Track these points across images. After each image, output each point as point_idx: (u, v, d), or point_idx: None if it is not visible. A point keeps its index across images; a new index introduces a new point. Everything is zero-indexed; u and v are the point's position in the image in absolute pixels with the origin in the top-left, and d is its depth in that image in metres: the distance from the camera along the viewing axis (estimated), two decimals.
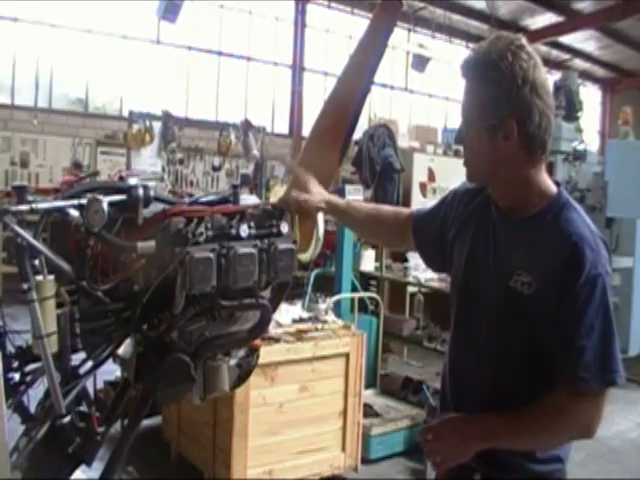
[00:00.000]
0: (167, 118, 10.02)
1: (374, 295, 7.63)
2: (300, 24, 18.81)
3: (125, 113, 12.38)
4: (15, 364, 2.08)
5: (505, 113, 2.10)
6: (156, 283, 2.08)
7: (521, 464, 2.25)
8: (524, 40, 2.16)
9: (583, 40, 21.65)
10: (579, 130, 11.37)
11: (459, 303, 2.41)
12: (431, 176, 10.60)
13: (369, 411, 6.39)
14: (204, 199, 2.34)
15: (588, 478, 5.67)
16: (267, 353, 4.78)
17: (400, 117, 17.17)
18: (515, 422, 2.17)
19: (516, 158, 2.16)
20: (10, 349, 2.06)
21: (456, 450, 2.20)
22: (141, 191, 2.12)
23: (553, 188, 2.25)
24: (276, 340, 5.13)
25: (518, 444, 2.22)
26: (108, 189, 2.12)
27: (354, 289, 7.21)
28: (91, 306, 2.07)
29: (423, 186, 10.49)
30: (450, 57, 20.96)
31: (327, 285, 7.32)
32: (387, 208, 2.96)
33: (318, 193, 2.54)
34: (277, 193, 9.53)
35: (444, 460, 2.22)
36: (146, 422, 5.49)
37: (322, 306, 6.04)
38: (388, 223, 2.79)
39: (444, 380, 2.51)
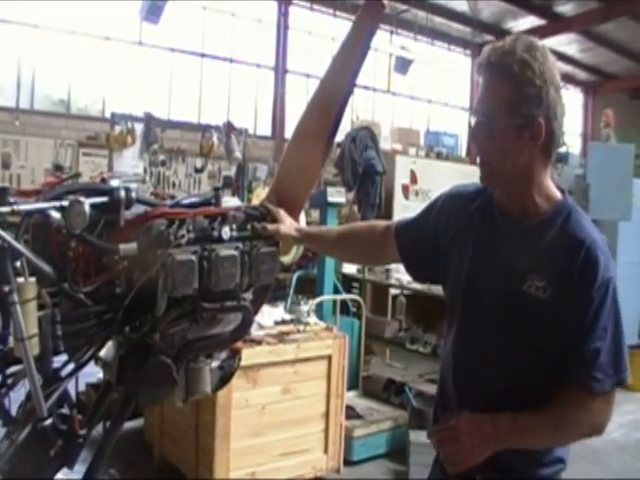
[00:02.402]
0: (149, 120, 9.96)
1: (356, 297, 7.64)
2: (283, 26, 18.77)
3: (107, 114, 12.30)
4: None
5: (535, 112, 2.12)
6: (138, 285, 2.08)
7: (524, 468, 2.27)
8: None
9: (565, 43, 21.69)
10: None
11: (464, 308, 2.39)
12: (413, 178, 10.62)
13: (351, 413, 6.39)
14: (186, 201, 2.34)
15: (585, 478, 5.71)
16: (249, 355, 4.78)
17: (382, 119, 17.18)
18: (531, 421, 2.18)
19: (536, 159, 2.19)
20: None
21: (474, 451, 2.19)
22: (123, 193, 2.11)
23: (558, 194, 2.28)
24: (258, 342, 5.13)
25: (534, 443, 2.24)
26: (90, 191, 2.12)
27: (336, 291, 7.21)
28: (73, 308, 2.07)
29: (405, 188, 10.51)
30: (432, 59, 21.01)
31: (309, 287, 7.33)
32: (360, 224, 2.96)
33: (290, 223, 2.56)
34: (259, 195, 9.53)
35: (462, 461, 2.21)
36: (128, 424, 5.47)
37: (304, 308, 6.03)
38: (364, 239, 2.78)
39: (444, 385, 2.50)
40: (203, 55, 17.34)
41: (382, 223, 2.78)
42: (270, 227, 2.43)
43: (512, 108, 2.14)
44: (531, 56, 2.11)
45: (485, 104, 2.22)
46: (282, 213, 2.53)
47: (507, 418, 2.19)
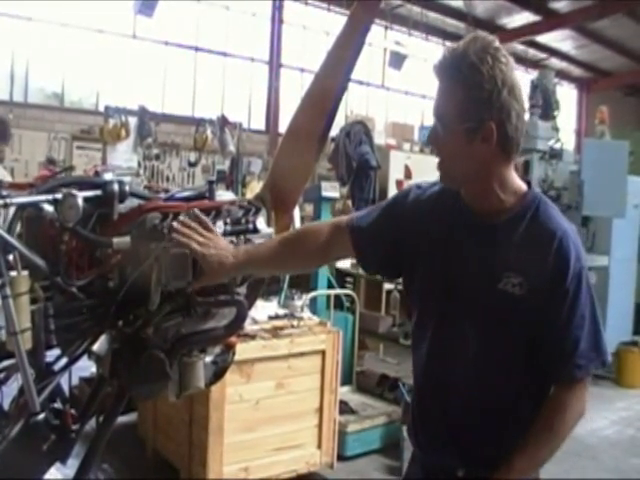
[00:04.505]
0: (143, 113, 9.96)
1: (350, 292, 7.63)
2: (277, 20, 18.75)
3: (101, 108, 12.30)
4: None
5: (485, 116, 2.09)
6: (131, 279, 2.06)
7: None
8: (498, 42, 2.16)
9: (560, 39, 21.74)
10: (555, 129, 11.39)
11: (439, 309, 2.38)
12: (407, 173, 10.62)
13: (345, 408, 6.39)
14: (180, 195, 2.33)
15: (567, 478, 5.72)
16: (243, 350, 4.76)
17: (377, 114, 17.18)
18: (534, 448, 2.20)
19: (492, 160, 2.16)
20: None
21: None
22: (116, 186, 2.10)
23: (524, 186, 2.27)
24: (252, 337, 5.12)
25: (544, 458, 2.24)
26: (83, 184, 2.10)
27: (330, 286, 7.20)
28: (66, 302, 2.05)
29: (400, 183, 10.50)
30: (427, 55, 21.01)
31: (303, 282, 7.32)
32: (298, 232, 2.67)
33: (217, 265, 2.27)
34: (253, 189, 9.52)
35: None
36: (121, 419, 5.45)
37: (298, 303, 6.03)
38: (304, 246, 2.50)
39: (420, 386, 2.50)
40: (197, 49, 17.32)
41: (322, 224, 2.59)
42: (196, 283, 2.24)
43: (462, 112, 2.13)
44: (480, 59, 2.08)
45: (438, 107, 2.22)
46: (210, 259, 2.23)
47: (507, 467, 2.19)
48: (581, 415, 2.23)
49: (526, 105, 2.22)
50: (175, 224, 2.18)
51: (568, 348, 2.16)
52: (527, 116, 2.31)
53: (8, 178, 6.22)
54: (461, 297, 2.29)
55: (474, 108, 2.10)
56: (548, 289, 2.14)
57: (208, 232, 2.26)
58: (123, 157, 9.70)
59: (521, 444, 2.19)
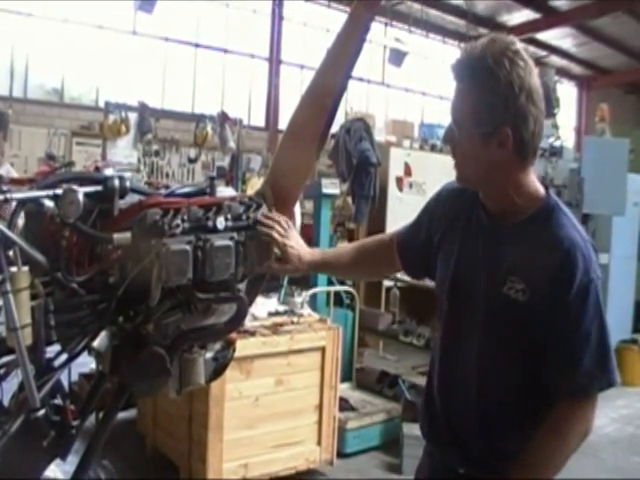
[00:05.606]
0: (143, 109, 9.90)
1: (350, 289, 7.63)
2: (277, 17, 18.75)
3: (101, 104, 12.27)
4: None
5: (501, 121, 2.08)
6: (132, 275, 2.06)
7: (506, 465, 2.25)
8: (519, 44, 2.13)
9: (560, 37, 21.73)
10: (555, 126, 11.39)
11: (448, 308, 2.40)
12: (407, 170, 10.58)
13: (345, 405, 6.39)
14: (180, 191, 2.32)
15: (569, 478, 5.71)
16: (243, 346, 4.77)
17: (377, 111, 17.16)
18: (534, 463, 2.20)
19: (508, 164, 2.15)
20: None
21: None
22: (117, 182, 2.09)
23: (542, 191, 2.26)
24: (252, 333, 5.12)
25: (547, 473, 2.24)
26: (83, 180, 2.09)
27: (330, 283, 7.20)
28: (66, 298, 2.05)
29: (399, 180, 10.47)
30: (427, 52, 21.00)
31: (303, 278, 7.32)
32: (369, 242, 2.92)
33: (299, 258, 2.53)
34: (253, 186, 9.50)
35: None
36: (121, 415, 5.46)
37: (298, 299, 6.03)
38: (373, 256, 2.78)
39: (431, 378, 2.52)
40: (197, 45, 17.31)
41: (387, 236, 2.79)
42: (277, 267, 2.47)
43: (477, 116, 2.12)
44: (498, 63, 2.06)
45: (454, 109, 2.21)
46: (292, 251, 2.50)
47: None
48: (585, 435, 2.21)
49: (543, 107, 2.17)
50: (259, 216, 2.32)
51: (570, 364, 2.13)
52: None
53: (14, 174, 6.23)
54: (469, 296, 2.29)
55: (490, 113, 2.09)
56: (550, 299, 2.11)
57: (288, 229, 2.44)
58: (123, 153, 9.66)
59: (521, 459, 2.19)
